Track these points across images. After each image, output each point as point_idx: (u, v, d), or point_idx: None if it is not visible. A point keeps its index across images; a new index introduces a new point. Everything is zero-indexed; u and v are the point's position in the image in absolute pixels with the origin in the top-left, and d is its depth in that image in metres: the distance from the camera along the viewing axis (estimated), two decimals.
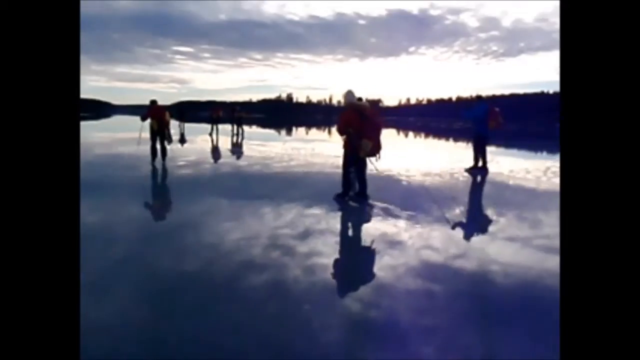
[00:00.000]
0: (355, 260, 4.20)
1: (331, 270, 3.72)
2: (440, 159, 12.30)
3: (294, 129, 37.99)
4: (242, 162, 11.64)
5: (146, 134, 10.28)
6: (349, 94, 6.33)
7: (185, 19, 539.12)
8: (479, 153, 9.78)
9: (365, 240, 4.69)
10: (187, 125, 24.61)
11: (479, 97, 10.88)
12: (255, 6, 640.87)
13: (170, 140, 10.25)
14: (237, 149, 15.19)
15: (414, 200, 6.57)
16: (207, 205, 6.13)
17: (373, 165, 6.56)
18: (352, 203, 6.27)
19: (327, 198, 6.41)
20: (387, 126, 17.34)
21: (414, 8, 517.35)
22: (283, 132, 31.98)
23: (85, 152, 12.39)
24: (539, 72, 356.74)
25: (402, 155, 13.08)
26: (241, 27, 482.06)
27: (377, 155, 6.30)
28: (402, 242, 4.43)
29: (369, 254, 4.20)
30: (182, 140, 18.19)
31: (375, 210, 5.83)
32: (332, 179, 7.84)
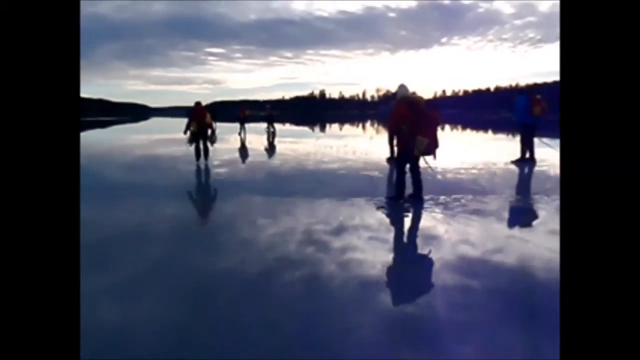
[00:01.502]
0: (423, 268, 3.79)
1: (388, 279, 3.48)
2: (487, 152, 11.77)
3: (327, 125, 37.85)
4: (275, 161, 11.64)
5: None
6: (402, 88, 5.91)
7: (216, 21, 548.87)
8: (526, 144, 9.41)
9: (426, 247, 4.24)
10: (220, 124, 24.96)
11: (519, 90, 10.23)
12: (284, 5, 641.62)
13: (212, 141, 10.45)
14: (269, 148, 15.23)
15: (476, 200, 6.07)
16: (254, 202, 6.18)
17: (427, 164, 6.14)
18: (407, 205, 5.80)
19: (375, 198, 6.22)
20: None
21: None
22: (317, 129, 31.88)
23: (141, 153, 13.38)
24: None
25: (447, 151, 12.63)
26: (271, 26, 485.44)
27: (434, 154, 5.84)
28: (470, 249, 4.08)
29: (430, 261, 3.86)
30: (214, 140, 18.45)
31: (431, 213, 5.43)
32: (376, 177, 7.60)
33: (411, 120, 5.61)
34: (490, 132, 25.52)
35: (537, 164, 9.25)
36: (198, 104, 10.34)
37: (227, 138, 19.41)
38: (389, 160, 10.04)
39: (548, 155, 9.92)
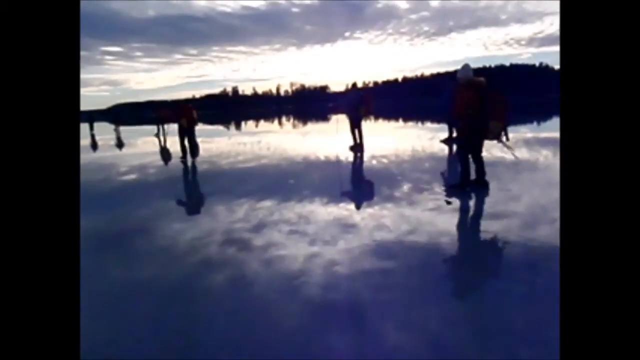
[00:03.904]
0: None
1: None
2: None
3: (242, 123, 37.08)
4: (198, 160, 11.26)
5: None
6: (466, 68, 5.45)
7: (111, 17, 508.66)
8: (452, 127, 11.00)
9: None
10: (124, 128, 22.83)
11: (441, 75, 11.51)
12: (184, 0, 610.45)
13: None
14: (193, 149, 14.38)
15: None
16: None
17: (510, 150, 6.00)
18: (474, 194, 5.49)
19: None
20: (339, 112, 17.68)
21: None
22: (232, 127, 31.06)
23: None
24: (469, 49, 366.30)
25: (386, 139, 13.67)
26: (172, 22, 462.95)
27: (506, 137, 5.50)
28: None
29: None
30: (120, 144, 17.45)
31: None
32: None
33: (477, 104, 5.24)
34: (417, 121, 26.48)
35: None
36: (182, 101, 11.16)
37: (134, 142, 18.17)
38: (352, 148, 10.79)
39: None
